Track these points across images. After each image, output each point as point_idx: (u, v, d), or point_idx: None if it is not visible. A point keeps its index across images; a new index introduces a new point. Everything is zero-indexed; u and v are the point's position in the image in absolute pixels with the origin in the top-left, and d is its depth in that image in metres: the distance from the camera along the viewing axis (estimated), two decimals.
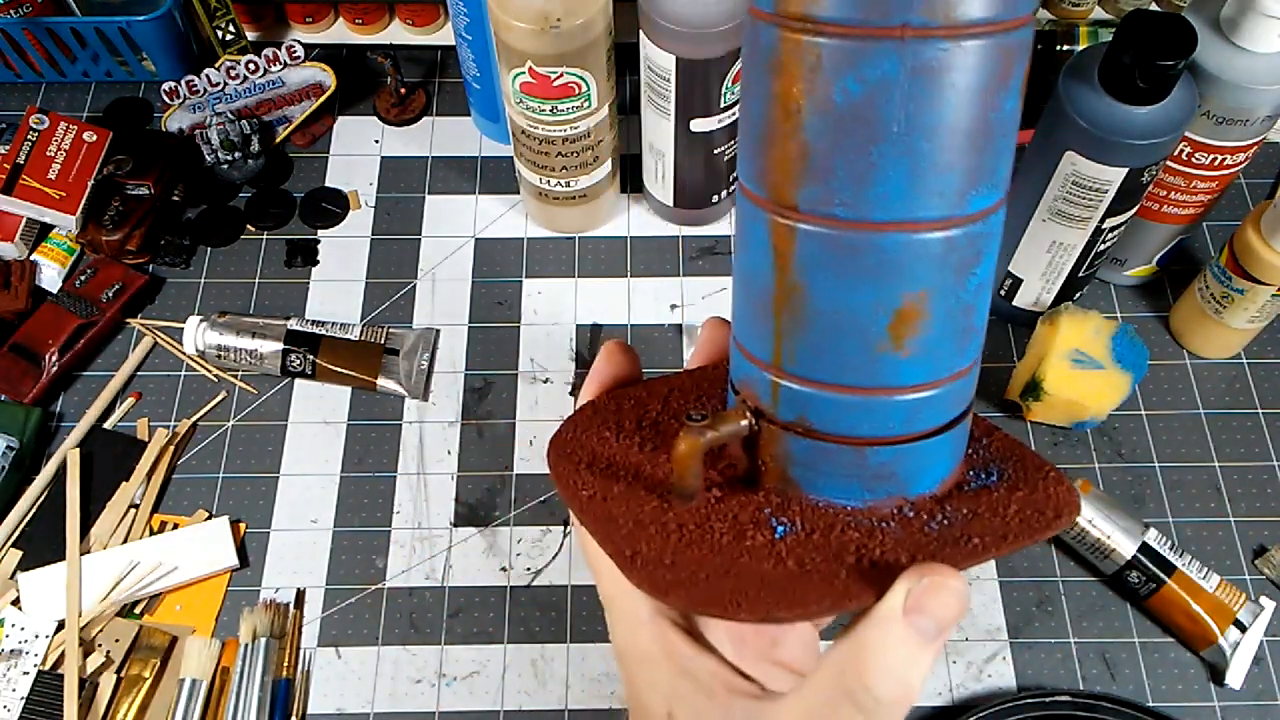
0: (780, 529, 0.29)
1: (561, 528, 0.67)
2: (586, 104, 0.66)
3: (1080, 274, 0.68)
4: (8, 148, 0.74)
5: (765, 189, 0.26)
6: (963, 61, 0.23)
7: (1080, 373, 0.65)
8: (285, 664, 0.61)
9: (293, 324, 0.71)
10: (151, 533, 0.66)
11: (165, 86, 0.79)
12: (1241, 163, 0.63)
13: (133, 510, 0.66)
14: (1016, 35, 0.24)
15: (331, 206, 0.79)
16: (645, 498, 0.31)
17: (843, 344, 0.27)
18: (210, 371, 0.72)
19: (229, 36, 0.83)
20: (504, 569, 0.65)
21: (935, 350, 0.27)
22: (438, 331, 0.74)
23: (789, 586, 0.28)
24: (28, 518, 0.66)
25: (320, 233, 0.78)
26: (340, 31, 0.88)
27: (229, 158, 0.78)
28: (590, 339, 0.73)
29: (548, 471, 0.68)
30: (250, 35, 0.87)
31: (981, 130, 0.24)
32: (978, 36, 0.23)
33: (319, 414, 0.70)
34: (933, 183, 0.25)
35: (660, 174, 0.74)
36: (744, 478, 0.31)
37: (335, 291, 0.75)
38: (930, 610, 0.25)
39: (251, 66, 0.79)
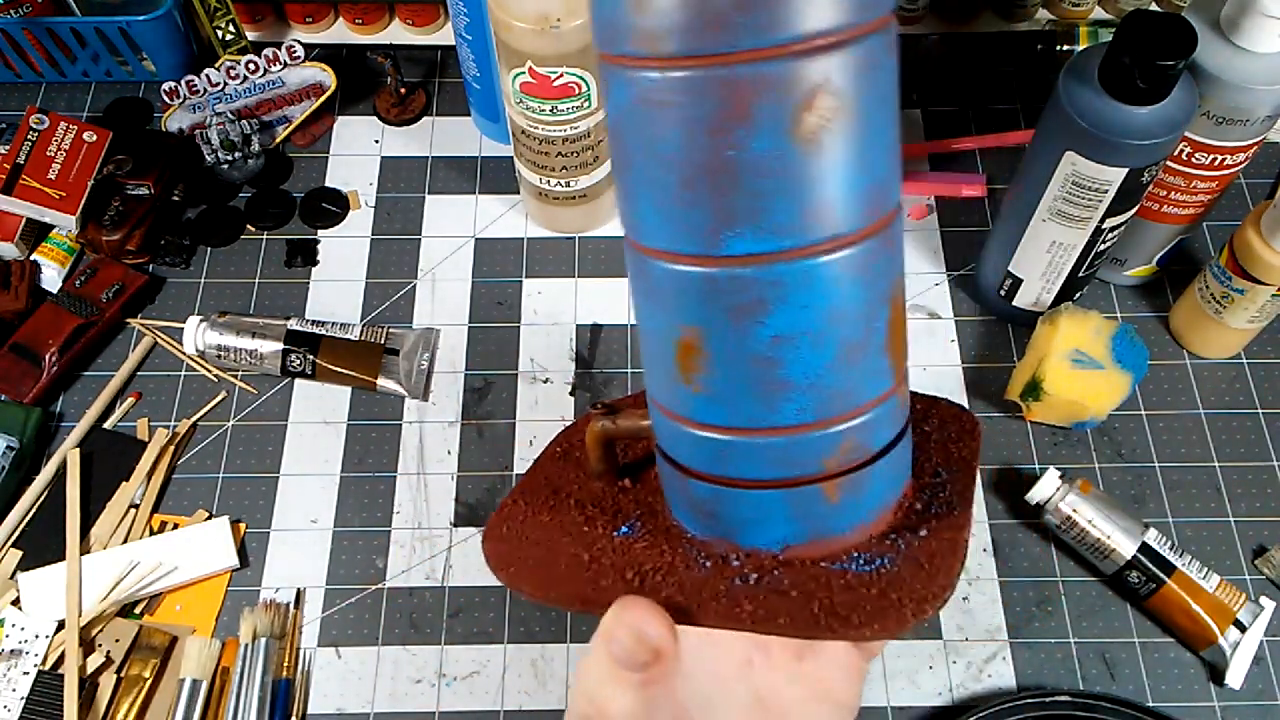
0: (625, 530, 0.30)
1: None
2: (586, 104, 0.66)
3: (1080, 274, 0.68)
4: (8, 148, 0.74)
5: None
6: (677, 95, 0.23)
7: (1080, 373, 0.65)
8: (285, 664, 0.61)
9: (293, 324, 0.71)
10: (151, 533, 0.66)
11: (165, 86, 0.79)
12: (1241, 163, 0.63)
13: (133, 510, 0.66)
14: (747, 69, 0.22)
15: (331, 206, 0.79)
16: (571, 468, 0.34)
17: (654, 361, 0.28)
18: (210, 371, 0.72)
19: (229, 36, 0.83)
20: None
21: (728, 395, 0.26)
22: (438, 331, 0.74)
23: (555, 572, 0.29)
24: (28, 518, 0.66)
25: (320, 233, 0.78)
26: (340, 31, 0.88)
27: (229, 158, 0.78)
28: (590, 339, 0.73)
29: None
30: (250, 35, 0.87)
31: (723, 169, 0.23)
32: (686, 69, 0.23)
33: (319, 414, 0.70)
34: (678, 214, 0.25)
35: None
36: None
37: (335, 291, 0.75)
38: (619, 640, 0.26)
39: (251, 66, 0.79)
